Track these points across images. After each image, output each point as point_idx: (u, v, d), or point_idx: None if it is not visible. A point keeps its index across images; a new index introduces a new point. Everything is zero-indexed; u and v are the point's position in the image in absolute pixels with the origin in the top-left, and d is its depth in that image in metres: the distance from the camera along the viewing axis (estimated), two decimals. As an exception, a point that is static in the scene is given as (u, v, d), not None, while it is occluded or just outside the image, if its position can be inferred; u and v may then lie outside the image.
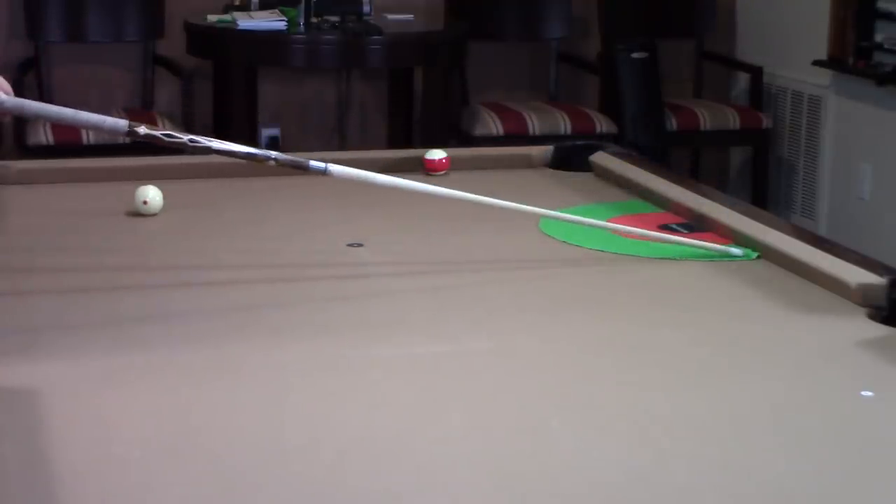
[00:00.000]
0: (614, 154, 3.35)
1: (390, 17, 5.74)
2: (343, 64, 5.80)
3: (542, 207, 2.74)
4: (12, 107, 2.31)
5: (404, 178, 2.61)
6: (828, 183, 5.81)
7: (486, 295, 2.45)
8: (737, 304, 2.40)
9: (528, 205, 2.70)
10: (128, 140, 2.33)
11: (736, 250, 2.63)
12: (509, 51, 6.25)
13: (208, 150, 2.38)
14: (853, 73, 5.54)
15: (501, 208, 2.60)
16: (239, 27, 5.43)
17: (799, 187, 6.00)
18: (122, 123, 2.31)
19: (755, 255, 2.62)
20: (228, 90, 5.61)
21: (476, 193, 2.62)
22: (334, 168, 2.45)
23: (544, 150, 3.42)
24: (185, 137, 2.35)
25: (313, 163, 2.43)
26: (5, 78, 2.32)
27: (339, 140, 6.11)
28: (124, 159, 3.32)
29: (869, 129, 5.55)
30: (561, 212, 2.80)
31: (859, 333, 2.20)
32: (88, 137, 5.21)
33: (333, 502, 1.62)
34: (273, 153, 2.44)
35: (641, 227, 2.73)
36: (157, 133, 2.34)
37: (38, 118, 2.45)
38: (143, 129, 2.31)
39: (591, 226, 2.71)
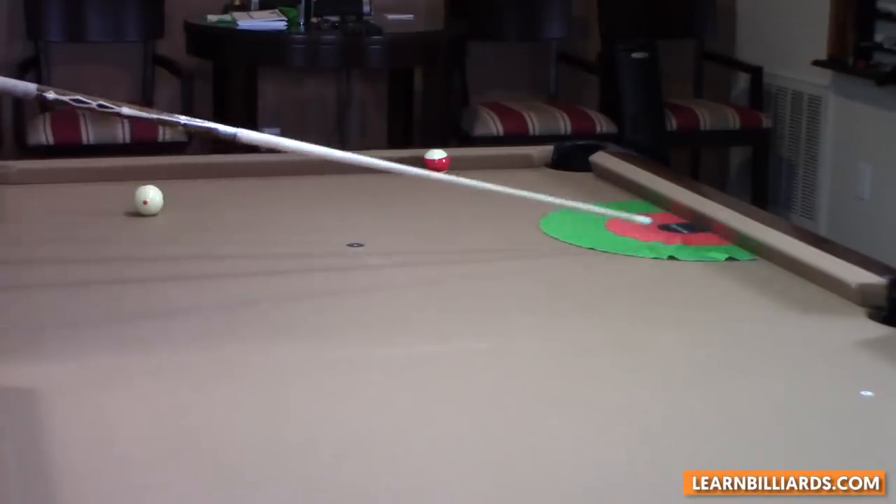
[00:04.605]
0: (614, 154, 3.35)
1: (390, 17, 5.74)
2: (343, 64, 5.80)
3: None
4: None
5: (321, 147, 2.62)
6: (828, 183, 5.81)
7: (486, 295, 2.45)
8: (736, 304, 2.40)
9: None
10: (38, 102, 2.40)
11: (642, 218, 2.68)
12: (509, 51, 6.25)
13: (118, 115, 2.41)
14: (853, 73, 5.54)
15: (502, 202, 2.60)
16: (239, 27, 5.43)
17: (799, 187, 6.00)
18: (32, 87, 2.35)
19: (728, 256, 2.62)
20: (228, 90, 5.60)
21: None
22: (243, 133, 2.47)
23: (544, 150, 3.42)
24: (94, 102, 2.38)
25: (222, 128, 2.45)
26: None
27: (339, 140, 6.11)
28: (124, 159, 3.33)
29: (869, 129, 5.55)
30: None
31: (859, 333, 2.20)
32: (88, 137, 5.21)
33: (333, 502, 1.62)
34: (181, 118, 2.47)
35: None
36: (66, 98, 2.36)
37: None
38: (51, 94, 2.34)
39: (590, 213, 2.73)
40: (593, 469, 1.72)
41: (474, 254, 2.69)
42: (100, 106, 2.37)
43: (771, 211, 5.17)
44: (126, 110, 2.40)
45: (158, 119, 2.44)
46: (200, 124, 2.46)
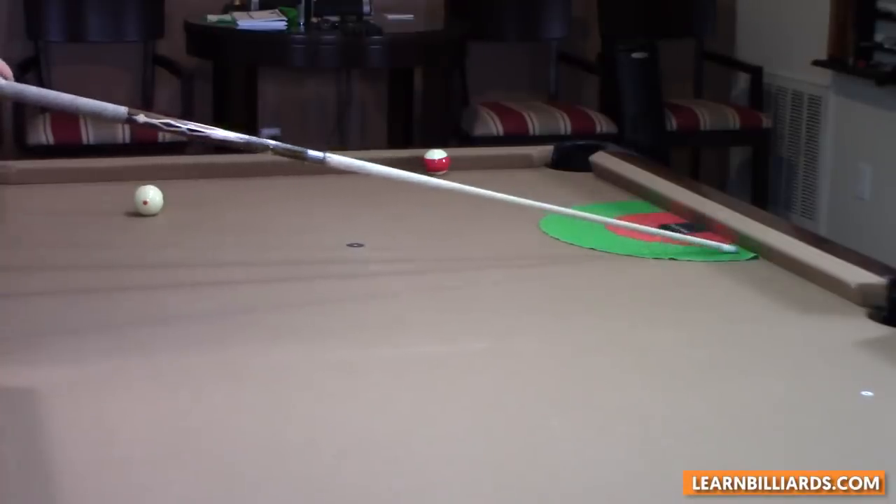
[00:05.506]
0: (614, 154, 3.35)
1: (390, 17, 5.73)
2: (343, 64, 5.80)
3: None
4: (12, 93, 2.32)
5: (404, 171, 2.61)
6: (828, 183, 5.81)
7: (486, 295, 2.45)
8: (737, 304, 2.40)
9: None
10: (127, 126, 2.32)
11: (728, 247, 2.64)
12: (509, 51, 6.25)
13: (207, 139, 2.37)
14: (853, 73, 5.54)
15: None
16: (239, 27, 5.43)
17: (799, 187, 6.00)
18: (122, 111, 2.30)
19: (750, 255, 2.62)
20: (228, 90, 5.60)
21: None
22: (332, 157, 2.45)
23: (544, 150, 3.42)
24: (185, 126, 2.35)
25: (311, 152, 2.43)
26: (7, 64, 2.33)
27: (339, 140, 6.11)
28: (124, 159, 3.32)
29: (869, 129, 5.55)
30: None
31: (859, 333, 2.20)
32: (88, 137, 5.21)
33: (333, 502, 1.62)
34: (270, 142, 2.44)
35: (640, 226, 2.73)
36: (157, 122, 2.33)
37: (38, 104, 2.44)
38: (142, 118, 2.30)
39: (591, 220, 2.72)
40: (593, 469, 1.72)
41: (474, 253, 2.69)
42: (190, 130, 2.34)
43: (771, 211, 5.17)
44: (217, 134, 2.37)
45: (247, 142, 2.40)
46: (289, 147, 2.44)
